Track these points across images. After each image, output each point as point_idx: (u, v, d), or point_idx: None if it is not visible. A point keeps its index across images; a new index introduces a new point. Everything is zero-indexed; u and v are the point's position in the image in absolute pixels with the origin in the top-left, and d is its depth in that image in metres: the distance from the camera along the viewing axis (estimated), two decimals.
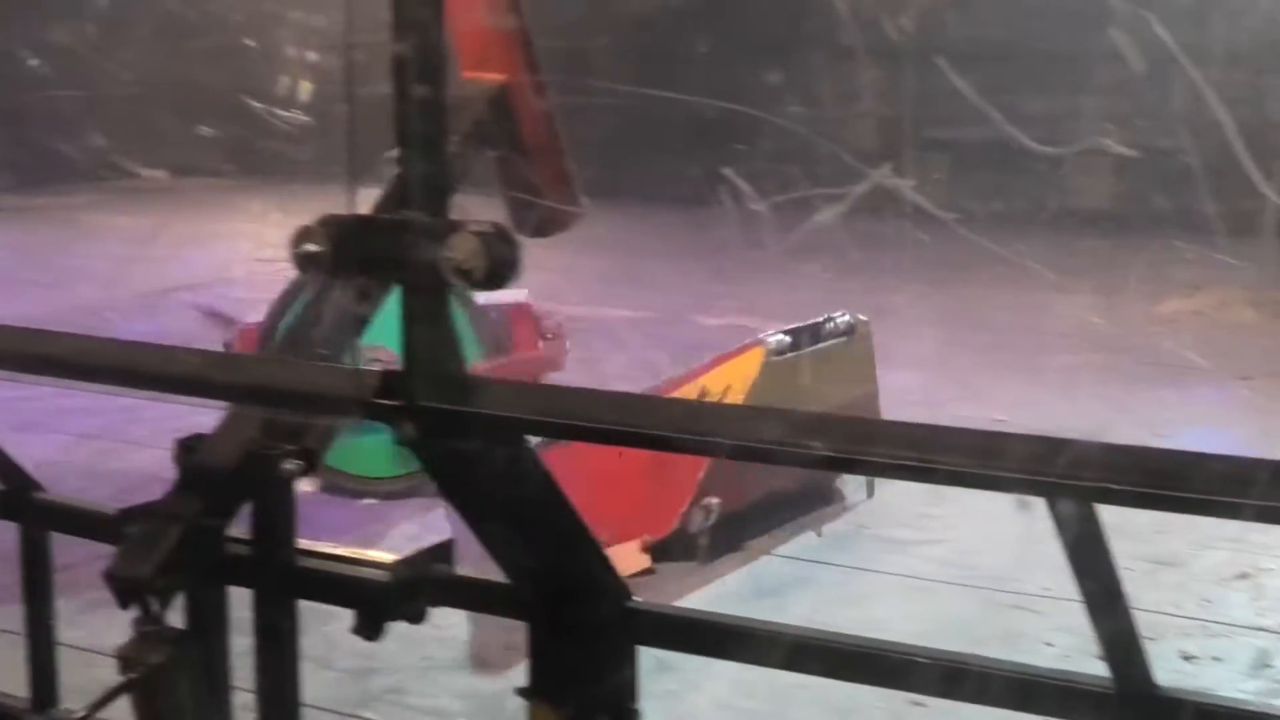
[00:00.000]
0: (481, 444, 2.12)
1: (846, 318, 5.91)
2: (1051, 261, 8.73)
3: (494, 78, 2.88)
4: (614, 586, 2.30)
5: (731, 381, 5.62)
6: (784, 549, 5.59)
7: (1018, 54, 10.87)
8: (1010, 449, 1.79)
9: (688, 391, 5.66)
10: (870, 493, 5.98)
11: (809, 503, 5.92)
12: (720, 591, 5.24)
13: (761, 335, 5.71)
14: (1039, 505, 1.79)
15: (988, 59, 9.18)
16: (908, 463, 1.83)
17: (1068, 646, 4.40)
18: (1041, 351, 8.26)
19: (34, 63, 8.33)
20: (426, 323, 2.06)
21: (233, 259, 9.77)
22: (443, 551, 2.44)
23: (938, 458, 1.82)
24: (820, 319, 5.87)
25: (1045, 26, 11.31)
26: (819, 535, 5.74)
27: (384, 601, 2.39)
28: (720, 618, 2.31)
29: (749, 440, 1.96)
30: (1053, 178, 11.25)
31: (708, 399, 5.45)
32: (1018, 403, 7.20)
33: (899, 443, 1.87)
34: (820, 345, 5.87)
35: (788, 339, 5.67)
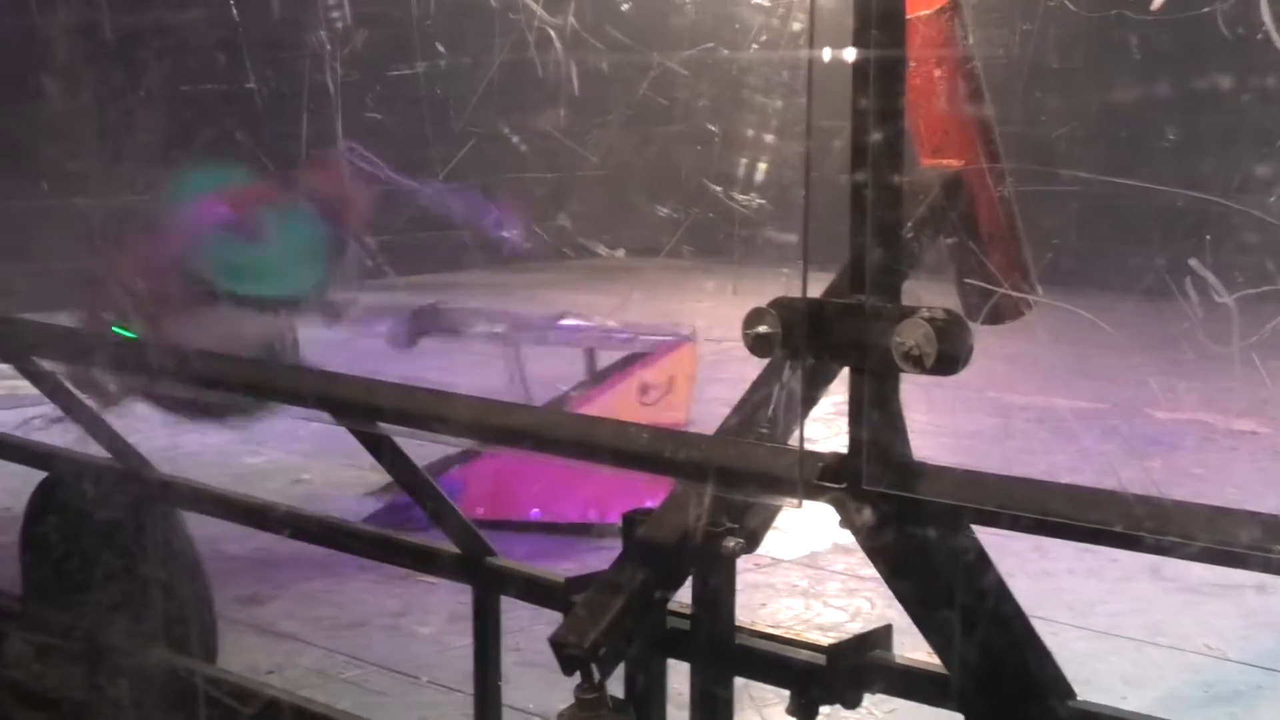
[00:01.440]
0: (926, 531, 2.10)
1: None
2: None
3: (952, 163, 2.86)
4: (1057, 683, 2.22)
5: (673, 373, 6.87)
6: (1239, 653, 5.29)
7: None
8: None
9: (626, 388, 6.76)
10: None
11: None
12: (1167, 694, 4.99)
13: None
14: None
15: None
16: None
17: None
18: None
19: (521, 147, 8.76)
20: (874, 406, 2.05)
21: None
22: (881, 637, 2.42)
23: None
24: None
25: None
26: None
27: (821, 684, 2.38)
28: None
29: (1220, 543, 1.86)
30: None
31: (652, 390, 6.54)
32: None
33: None
34: None
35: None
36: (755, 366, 2.52)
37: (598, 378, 7.36)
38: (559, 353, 7.70)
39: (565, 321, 7.93)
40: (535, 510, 6.32)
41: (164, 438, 6.08)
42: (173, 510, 3.81)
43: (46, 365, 3.68)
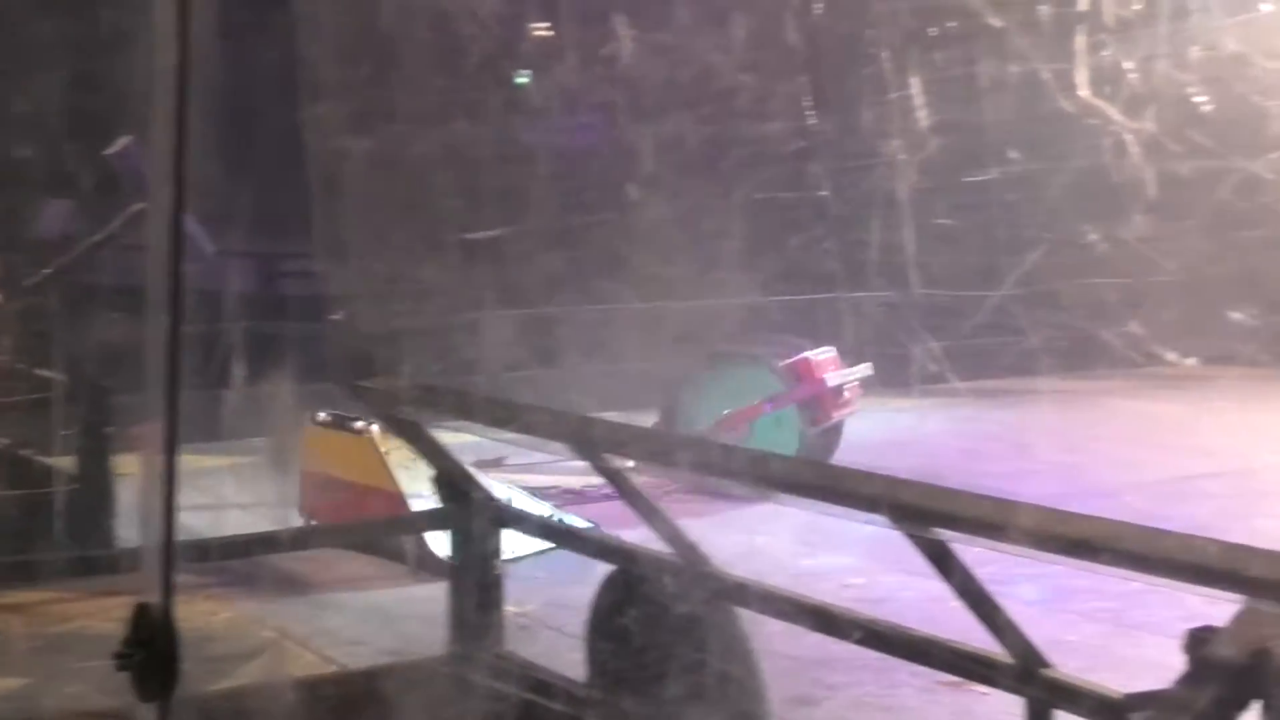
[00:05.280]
0: None
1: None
2: None
3: None
4: None
5: None
6: None
7: None
8: None
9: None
10: None
11: None
12: None
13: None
14: None
15: None
16: None
17: None
18: None
19: (1095, 252, 8.62)
20: None
21: (1256, 449, 9.53)
22: None
23: None
24: None
25: None
26: None
27: None
28: None
29: None
30: None
31: None
32: None
33: None
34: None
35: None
36: None
37: None
38: None
39: None
40: None
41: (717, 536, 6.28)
42: (731, 607, 3.92)
43: (617, 462, 3.87)
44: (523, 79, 10.94)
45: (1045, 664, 2.98)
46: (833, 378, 9.22)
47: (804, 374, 9.19)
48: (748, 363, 9.42)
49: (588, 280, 10.20)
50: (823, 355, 9.39)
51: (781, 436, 9.05)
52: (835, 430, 9.49)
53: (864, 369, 9.59)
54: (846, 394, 9.37)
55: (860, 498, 3.22)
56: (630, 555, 4.03)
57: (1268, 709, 2.34)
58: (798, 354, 9.28)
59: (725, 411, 9.16)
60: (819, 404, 9.20)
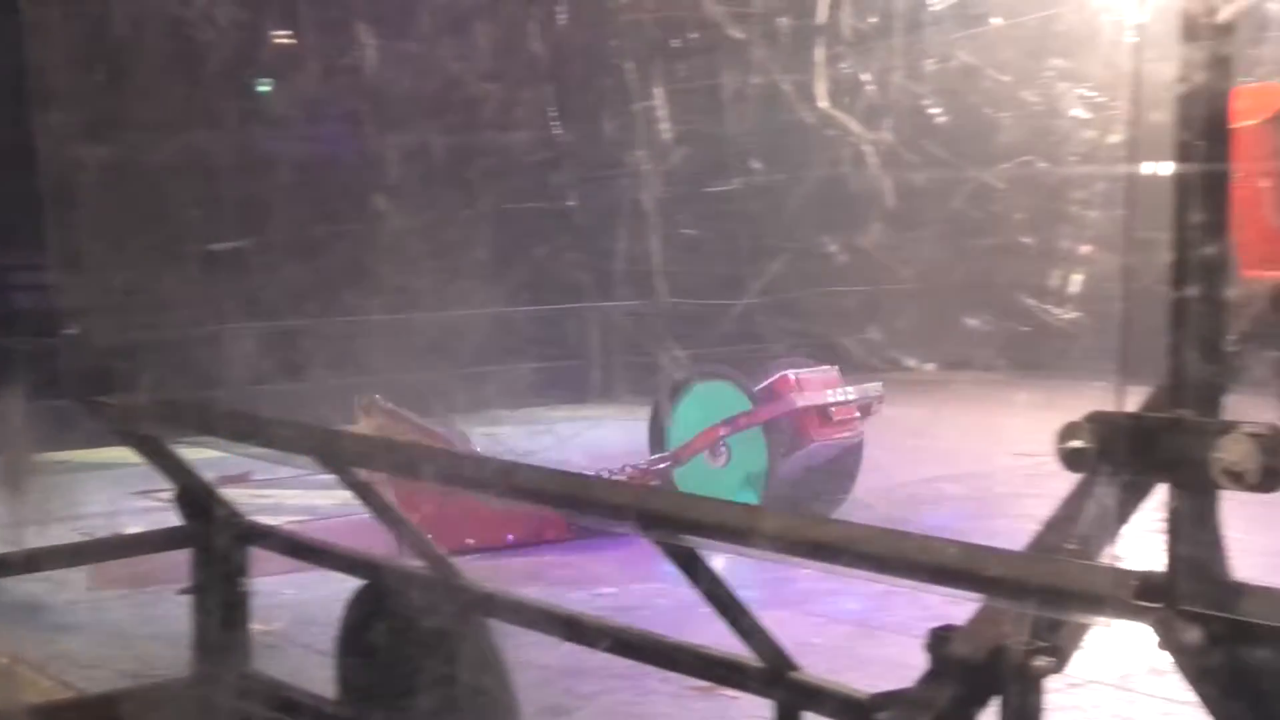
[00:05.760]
0: (1253, 654, 2.01)
1: None
2: None
3: (1277, 276, 2.77)
4: None
5: None
6: None
7: None
8: None
9: None
10: None
11: None
12: None
13: None
14: None
15: None
16: None
17: None
18: None
19: (835, 261, 8.81)
20: (1192, 524, 1.99)
21: (993, 451, 9.87)
22: None
23: None
24: None
25: None
26: None
27: None
28: None
29: None
30: None
31: None
32: None
33: None
34: None
35: None
36: (1068, 481, 2.47)
37: None
38: None
39: None
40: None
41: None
42: (481, 619, 3.90)
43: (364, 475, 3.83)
44: (264, 87, 10.74)
45: (793, 667, 3.02)
46: (811, 398, 8.64)
47: (777, 394, 8.66)
48: (722, 381, 8.89)
49: (333, 292, 10.05)
50: (813, 373, 8.83)
51: (754, 460, 8.57)
52: (844, 453, 8.86)
53: (873, 388, 8.97)
54: (836, 415, 8.75)
55: (609, 506, 3.23)
56: (379, 569, 3.98)
57: (1005, 705, 2.40)
58: (780, 372, 8.70)
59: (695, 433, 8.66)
60: (794, 426, 8.59)
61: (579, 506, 3.73)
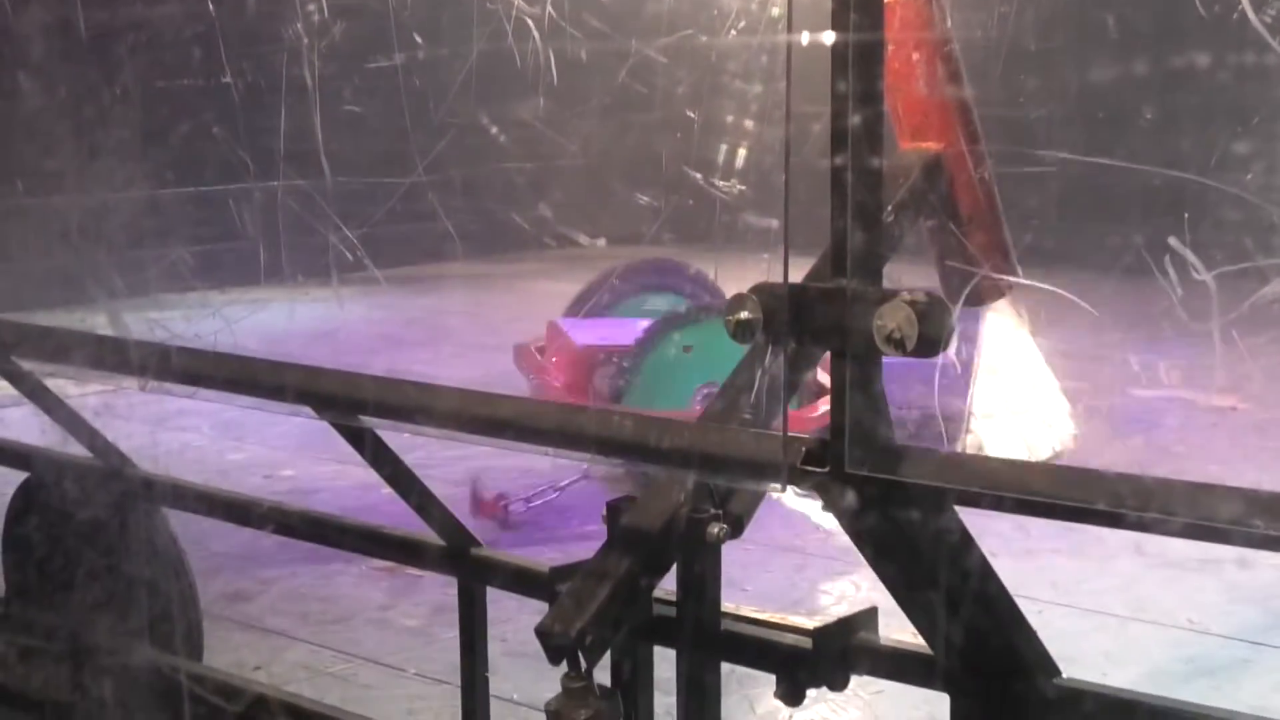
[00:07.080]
0: (910, 513, 2.10)
1: None
2: None
3: (932, 146, 2.86)
4: (1043, 662, 2.23)
5: None
6: (1221, 627, 5.30)
7: None
8: None
9: None
10: None
11: None
12: (1150, 669, 5.00)
13: None
14: None
15: None
16: None
17: None
18: None
19: (501, 138, 8.75)
20: (857, 390, 2.05)
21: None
22: (866, 619, 2.43)
23: None
24: None
25: None
26: None
27: (807, 668, 2.39)
28: (1158, 700, 2.19)
29: (1202, 519, 1.86)
30: None
31: None
32: None
33: None
34: None
35: None
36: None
37: None
38: None
39: None
40: None
41: (143, 435, 6.07)
42: (156, 508, 3.81)
43: (25, 365, 3.67)
44: None
45: (475, 543, 3.04)
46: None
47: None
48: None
49: None
50: None
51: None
52: None
53: None
54: None
55: (279, 389, 3.17)
56: (44, 460, 3.84)
57: (682, 571, 2.47)
58: None
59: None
60: None
61: (247, 389, 3.65)
